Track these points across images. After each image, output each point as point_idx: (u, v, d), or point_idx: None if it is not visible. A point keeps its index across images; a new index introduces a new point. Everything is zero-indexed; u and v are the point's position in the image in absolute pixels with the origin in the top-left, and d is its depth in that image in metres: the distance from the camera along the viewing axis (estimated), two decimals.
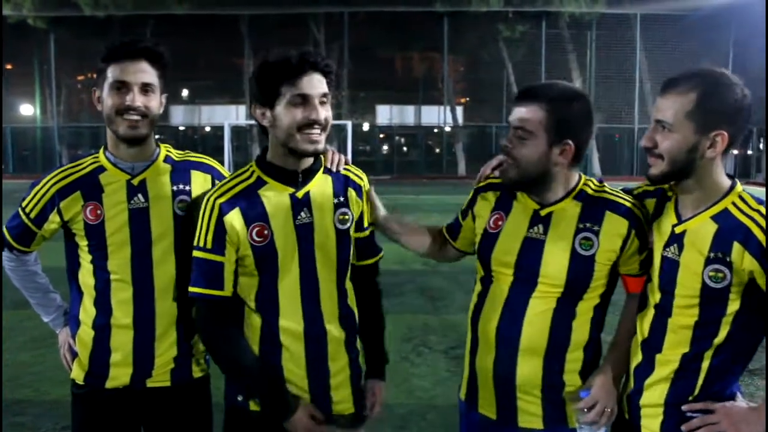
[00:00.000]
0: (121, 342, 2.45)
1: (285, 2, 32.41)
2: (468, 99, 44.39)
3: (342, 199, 2.37)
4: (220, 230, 2.24)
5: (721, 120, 2.01)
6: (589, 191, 2.29)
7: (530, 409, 2.29)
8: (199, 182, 2.52)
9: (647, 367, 2.18)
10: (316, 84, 2.21)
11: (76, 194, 2.43)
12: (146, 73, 2.38)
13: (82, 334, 2.50)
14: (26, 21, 33.04)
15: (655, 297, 2.17)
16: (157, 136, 2.55)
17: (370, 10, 33.58)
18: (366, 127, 39.91)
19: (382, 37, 37.14)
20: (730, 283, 2.02)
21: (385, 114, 40.47)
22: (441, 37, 35.12)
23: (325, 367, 2.35)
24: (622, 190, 2.34)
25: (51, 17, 33.47)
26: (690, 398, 2.11)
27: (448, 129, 37.96)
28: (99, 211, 2.42)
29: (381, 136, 40.64)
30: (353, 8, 34.11)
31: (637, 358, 2.22)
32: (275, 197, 2.28)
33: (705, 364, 2.09)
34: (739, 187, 2.10)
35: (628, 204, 2.25)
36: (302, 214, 2.29)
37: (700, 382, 2.10)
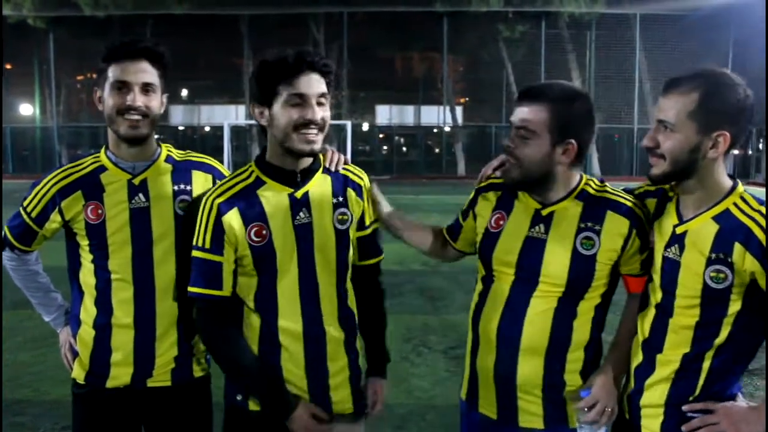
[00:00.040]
0: (122, 341, 2.45)
1: (284, 2, 32.41)
2: (467, 99, 44.39)
3: (341, 199, 2.37)
4: (219, 230, 2.25)
5: (724, 120, 2.01)
6: (591, 191, 2.30)
7: (531, 409, 2.29)
8: (200, 182, 2.52)
9: (648, 367, 2.18)
10: (313, 84, 2.21)
11: (77, 194, 2.43)
12: (147, 73, 2.39)
13: (83, 334, 2.50)
14: (26, 21, 33.03)
15: (656, 297, 2.16)
16: (156, 136, 2.56)
17: (370, 10, 33.58)
18: (365, 127, 39.91)
19: (382, 37, 37.16)
20: (732, 284, 2.02)
21: (385, 114, 40.45)
22: (441, 37, 35.12)
23: (324, 368, 2.35)
24: (623, 190, 2.34)
25: (51, 17, 33.47)
26: (690, 398, 2.11)
27: (447, 129, 37.96)
28: (100, 211, 2.42)
29: (380, 136, 40.62)
30: (353, 8, 34.12)
31: (637, 358, 2.22)
32: (274, 197, 2.28)
33: (706, 365, 2.09)
34: (741, 187, 2.09)
35: (629, 204, 2.26)
36: (301, 214, 2.29)
37: (700, 382, 2.10)
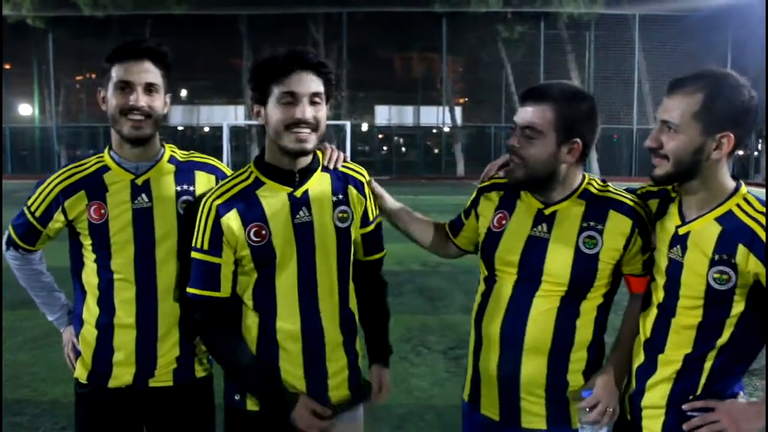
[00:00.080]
0: (124, 341, 2.45)
1: (284, 2, 32.40)
2: (467, 99, 44.39)
3: (341, 196, 2.37)
4: (217, 232, 2.25)
5: (728, 121, 2.00)
6: (593, 190, 2.30)
7: (533, 410, 2.29)
8: (203, 182, 2.52)
9: (649, 367, 2.18)
10: (305, 82, 2.21)
11: (81, 193, 2.43)
12: (150, 73, 2.39)
13: (86, 333, 2.51)
14: (25, 21, 33.01)
15: (659, 297, 2.16)
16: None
17: (369, 11, 33.57)
18: (365, 127, 39.89)
19: (381, 38, 37.13)
20: (735, 285, 2.02)
21: (384, 114, 40.44)
22: (440, 37, 35.14)
23: (323, 368, 2.35)
24: (625, 189, 2.34)
25: (50, 17, 33.46)
26: (691, 398, 2.11)
27: (446, 129, 37.97)
28: (103, 211, 2.42)
29: (380, 136, 40.63)
30: (352, 8, 34.11)
31: (639, 359, 2.22)
32: (273, 197, 2.28)
33: (708, 365, 2.09)
34: (744, 188, 2.09)
35: (631, 203, 2.26)
36: (301, 212, 2.29)
37: (702, 382, 2.10)
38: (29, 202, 2.49)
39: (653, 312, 2.18)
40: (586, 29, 34.92)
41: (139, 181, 2.45)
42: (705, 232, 2.06)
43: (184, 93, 39.53)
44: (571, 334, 2.25)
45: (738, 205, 2.05)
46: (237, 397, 2.35)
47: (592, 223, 2.24)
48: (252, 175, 2.33)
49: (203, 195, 2.36)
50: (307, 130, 2.21)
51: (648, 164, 2.15)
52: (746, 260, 1.99)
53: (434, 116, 38.25)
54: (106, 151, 2.51)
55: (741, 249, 2.00)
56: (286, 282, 2.29)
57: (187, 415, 2.56)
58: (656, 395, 2.16)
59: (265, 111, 2.25)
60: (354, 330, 2.44)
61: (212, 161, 2.63)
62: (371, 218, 2.48)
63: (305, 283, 2.30)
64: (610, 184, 2.35)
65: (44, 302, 2.68)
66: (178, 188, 2.48)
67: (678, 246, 2.11)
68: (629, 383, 2.27)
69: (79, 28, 33.01)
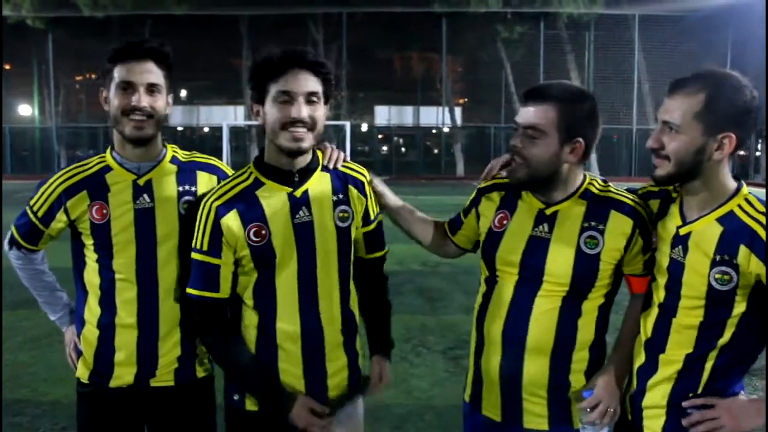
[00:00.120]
0: (125, 341, 2.46)
1: (283, 3, 32.39)
2: (466, 100, 44.40)
3: (341, 196, 2.37)
4: (216, 233, 2.25)
5: (730, 122, 2.00)
6: (594, 190, 2.30)
7: (536, 410, 2.29)
8: (205, 183, 2.52)
9: (650, 367, 2.18)
10: (301, 81, 2.21)
11: (83, 193, 2.43)
12: (152, 73, 2.39)
13: (87, 333, 2.51)
14: (25, 21, 32.99)
15: (660, 296, 2.16)
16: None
17: (369, 11, 33.56)
18: (364, 127, 39.87)
19: (381, 38, 37.12)
20: (737, 286, 2.02)
21: (384, 114, 40.42)
22: (439, 37, 35.12)
23: (323, 368, 2.36)
24: (626, 190, 2.34)
25: (50, 17, 33.43)
26: (691, 396, 2.11)
27: (446, 130, 37.96)
28: (105, 211, 2.42)
29: (379, 136, 40.62)
30: (352, 9, 34.10)
31: (640, 359, 2.22)
32: (273, 197, 2.29)
33: (709, 365, 2.09)
34: (745, 189, 2.09)
35: (632, 203, 2.26)
36: (301, 212, 2.30)
37: (703, 382, 2.10)
38: (31, 202, 2.49)
39: (654, 312, 2.18)
40: (585, 29, 34.91)
41: (141, 182, 2.45)
42: (706, 232, 2.06)
43: (183, 93, 39.55)
44: (573, 334, 2.25)
45: (739, 206, 2.05)
46: (236, 397, 2.36)
47: (593, 223, 2.24)
48: (252, 175, 2.33)
49: (204, 195, 2.36)
50: (303, 129, 2.21)
51: (648, 164, 2.15)
52: (748, 261, 1.99)
53: (434, 116, 38.23)
54: (108, 151, 2.51)
55: (742, 249, 2.00)
56: (286, 282, 2.29)
57: (189, 415, 2.56)
58: (657, 395, 2.16)
59: (263, 110, 2.25)
60: (354, 330, 2.44)
61: (214, 161, 2.63)
62: (372, 217, 2.48)
63: (305, 283, 2.30)
64: (611, 184, 2.35)
65: (46, 302, 2.69)
66: (180, 188, 2.49)
67: (679, 246, 2.11)
68: (630, 383, 2.27)
69: (79, 28, 32.99)
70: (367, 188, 2.46)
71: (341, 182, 2.39)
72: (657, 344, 2.16)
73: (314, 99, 2.23)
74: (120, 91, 2.37)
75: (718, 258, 2.03)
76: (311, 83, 2.22)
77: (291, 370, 2.32)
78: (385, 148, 41.27)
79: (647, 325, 2.20)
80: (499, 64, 36.36)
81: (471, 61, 40.79)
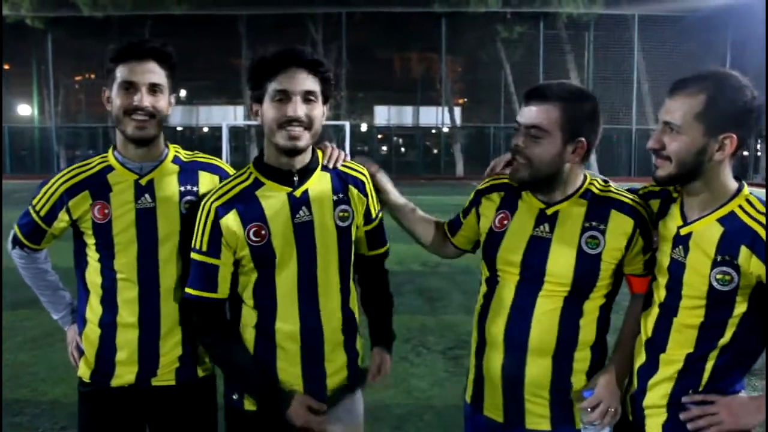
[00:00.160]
0: (127, 341, 2.46)
1: (283, 2, 32.36)
2: (466, 100, 44.39)
3: (341, 196, 2.37)
4: (216, 234, 2.26)
5: (731, 122, 2.00)
6: (595, 190, 2.30)
7: (538, 411, 2.29)
8: (207, 183, 2.52)
9: (651, 367, 2.18)
10: (297, 80, 2.21)
11: (85, 193, 2.44)
12: (154, 73, 2.39)
13: (89, 332, 2.51)
14: (24, 21, 32.96)
15: (660, 296, 2.16)
16: None
17: (368, 11, 33.55)
18: (364, 127, 39.83)
19: (380, 38, 37.12)
20: (738, 286, 2.02)
21: (383, 114, 40.40)
22: (439, 37, 35.09)
23: (321, 368, 2.36)
24: (627, 190, 2.34)
25: (49, 17, 33.39)
26: (690, 392, 2.12)
27: (446, 130, 37.93)
28: (106, 210, 2.43)
29: (379, 136, 40.59)
30: (351, 9, 34.07)
31: (640, 358, 2.22)
32: (273, 197, 2.29)
33: (709, 364, 2.10)
34: (746, 189, 2.09)
35: (633, 203, 2.26)
36: (301, 212, 2.30)
37: (704, 381, 2.11)
38: (34, 202, 2.50)
39: (655, 311, 2.18)
40: (585, 29, 34.88)
41: (143, 182, 2.46)
42: (707, 233, 2.06)
43: (183, 93, 39.53)
44: (575, 334, 2.25)
45: (740, 206, 2.05)
46: (235, 397, 2.37)
47: (594, 223, 2.24)
48: (251, 175, 2.33)
49: (204, 195, 2.36)
50: (300, 128, 2.21)
51: (647, 164, 2.15)
52: (749, 261, 1.99)
53: (433, 116, 38.20)
54: (110, 151, 2.52)
55: (743, 250, 2.00)
56: (286, 281, 2.29)
57: (190, 414, 2.56)
58: (658, 395, 2.16)
59: (261, 110, 2.26)
60: (354, 329, 2.45)
61: (216, 161, 2.63)
62: (374, 215, 2.49)
63: (305, 282, 2.31)
64: (611, 184, 2.35)
65: (49, 301, 2.69)
66: (182, 188, 2.49)
67: (680, 246, 2.11)
68: (630, 383, 2.27)
69: (79, 28, 32.96)
70: (368, 187, 2.46)
71: (341, 182, 2.39)
72: (657, 344, 2.16)
73: (311, 98, 2.23)
74: (122, 91, 2.38)
75: (719, 258, 2.03)
76: (308, 82, 2.22)
77: (290, 370, 2.32)
78: (384, 148, 41.23)
79: (648, 324, 2.20)
80: (499, 64, 36.34)
81: (470, 61, 40.78)
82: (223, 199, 2.28)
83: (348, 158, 2.48)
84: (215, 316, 2.33)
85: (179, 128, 39.40)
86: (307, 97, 2.22)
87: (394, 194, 2.59)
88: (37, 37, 34.65)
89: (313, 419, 2.29)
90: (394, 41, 38.39)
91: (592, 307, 2.27)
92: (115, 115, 2.41)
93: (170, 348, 2.48)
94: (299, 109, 2.20)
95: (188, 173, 2.53)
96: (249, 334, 2.33)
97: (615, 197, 2.28)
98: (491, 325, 2.32)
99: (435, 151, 41.95)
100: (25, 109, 40.04)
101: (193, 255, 2.30)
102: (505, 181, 2.42)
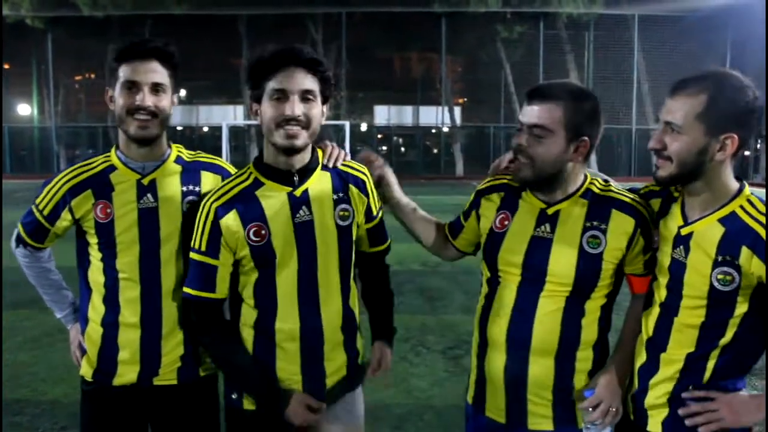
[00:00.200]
0: (129, 340, 2.46)
1: (283, 2, 32.37)
2: (466, 99, 44.39)
3: (342, 195, 2.37)
4: (215, 234, 2.26)
5: (732, 122, 2.00)
6: (596, 190, 2.30)
7: (540, 411, 2.29)
8: (209, 183, 2.52)
9: (652, 366, 2.18)
10: (295, 79, 2.21)
11: (87, 192, 2.44)
12: (157, 73, 2.40)
13: (91, 332, 2.52)
14: (24, 21, 32.97)
15: (661, 295, 2.16)
16: None
17: (368, 11, 33.55)
18: (364, 127, 39.81)
19: (380, 38, 37.12)
20: (739, 286, 2.02)
21: (383, 114, 40.39)
22: (439, 37, 35.10)
23: (321, 368, 2.36)
24: (628, 189, 2.34)
25: (49, 17, 33.40)
26: (691, 387, 2.12)
27: (446, 129, 37.94)
28: (109, 210, 2.43)
29: (379, 136, 40.55)
30: (351, 8, 34.08)
31: (641, 358, 2.22)
32: (273, 197, 2.29)
33: (710, 364, 2.10)
34: (747, 190, 2.08)
35: (634, 203, 2.26)
36: (301, 212, 2.30)
37: (705, 381, 2.10)
38: (37, 201, 2.51)
39: (656, 311, 2.18)
40: (585, 29, 34.88)
41: (145, 181, 2.46)
42: (708, 233, 2.06)
43: (183, 93, 39.53)
44: (577, 334, 2.25)
45: (741, 207, 2.04)
46: (234, 396, 2.37)
47: (595, 223, 2.24)
48: (251, 175, 2.33)
49: (203, 195, 2.36)
50: (297, 127, 2.21)
51: (647, 164, 2.15)
52: (750, 262, 1.99)
53: (433, 116, 38.21)
54: (113, 150, 2.52)
55: (745, 251, 2.00)
56: (287, 281, 2.29)
57: (192, 413, 2.57)
58: (659, 394, 2.16)
59: (260, 109, 2.26)
60: (354, 328, 2.45)
61: (219, 161, 2.63)
62: (375, 213, 2.49)
63: (305, 281, 2.31)
64: (612, 183, 2.35)
65: (52, 300, 2.70)
66: (184, 188, 2.49)
67: (681, 246, 2.11)
68: (631, 383, 2.26)
69: (79, 28, 32.98)
70: (369, 186, 2.46)
71: (342, 181, 2.39)
72: (658, 343, 2.16)
73: (309, 97, 2.23)
74: (125, 91, 2.38)
75: (719, 259, 2.03)
76: (306, 81, 2.22)
77: (289, 369, 2.33)
78: (384, 147, 41.18)
79: (648, 324, 2.20)
80: (499, 64, 36.35)
81: (470, 61, 40.80)
82: (223, 199, 2.28)
83: (348, 157, 2.48)
84: (214, 315, 2.33)
85: (179, 128, 39.40)
86: (305, 96, 2.22)
87: (398, 190, 2.59)
88: (37, 37, 34.66)
89: (311, 418, 2.30)
90: (394, 41, 38.39)
91: (593, 306, 2.27)
92: (117, 114, 2.42)
93: (172, 347, 2.49)
94: (297, 108, 2.20)
95: (191, 173, 2.53)
96: (248, 334, 2.33)
97: (616, 197, 2.28)
98: (493, 326, 2.32)
99: (435, 150, 41.95)
100: (25, 109, 40.05)
101: (192, 255, 2.30)
102: (505, 181, 2.42)
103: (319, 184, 2.35)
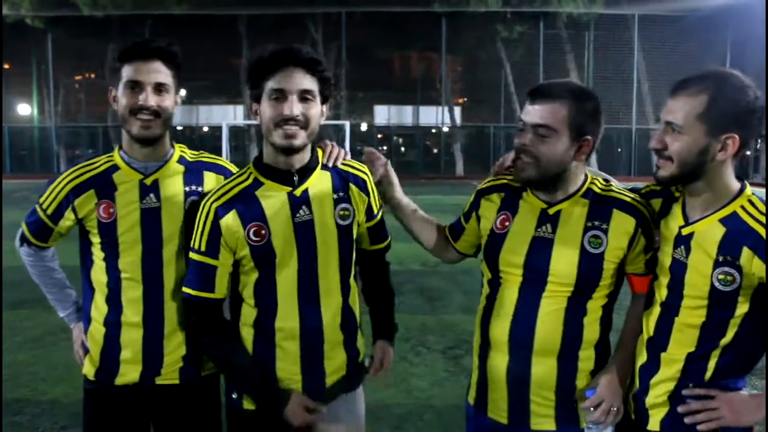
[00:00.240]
0: (131, 339, 2.47)
1: (283, 2, 32.38)
2: (466, 99, 44.41)
3: (342, 194, 2.38)
4: (215, 234, 2.26)
5: (733, 122, 1.99)
6: (596, 189, 2.30)
7: (543, 411, 2.28)
8: (212, 183, 2.53)
9: (653, 366, 2.18)
10: (294, 79, 2.21)
11: (90, 192, 2.45)
12: (160, 72, 2.40)
13: (93, 331, 2.53)
14: (24, 20, 32.98)
15: (662, 295, 2.16)
16: None
17: (368, 11, 33.56)
18: (364, 127, 39.82)
19: (380, 38, 37.12)
20: (740, 286, 2.02)
21: (383, 114, 40.41)
22: (439, 37, 35.12)
23: (321, 367, 2.36)
24: (629, 189, 2.34)
25: (49, 17, 33.41)
26: (691, 385, 2.12)
27: (446, 129, 37.95)
28: (112, 210, 2.44)
29: (379, 136, 40.54)
30: (351, 8, 34.08)
31: (642, 357, 2.22)
32: (272, 197, 2.29)
33: (711, 364, 2.10)
34: (749, 190, 2.08)
35: (635, 202, 2.26)
36: (301, 211, 2.30)
37: (705, 381, 2.10)
38: (41, 200, 2.52)
39: (656, 310, 2.18)
40: (585, 29, 34.89)
41: (148, 181, 2.47)
42: (709, 233, 2.06)
43: (183, 93, 39.48)
44: (579, 333, 2.25)
45: (743, 207, 2.04)
46: (234, 396, 2.38)
47: (596, 223, 2.24)
48: (251, 175, 2.33)
49: (203, 195, 2.37)
50: (295, 127, 2.22)
51: (647, 164, 2.15)
52: (751, 262, 1.99)
53: (433, 116, 38.23)
54: (116, 150, 2.53)
55: (746, 251, 2.00)
56: (287, 281, 2.29)
57: (194, 413, 2.57)
58: (659, 393, 2.16)
59: (260, 109, 2.26)
60: (355, 327, 2.45)
61: (221, 162, 2.64)
62: (375, 211, 2.49)
63: (306, 281, 2.31)
64: (613, 182, 2.35)
65: (55, 298, 2.70)
66: (187, 188, 2.50)
67: (682, 246, 2.11)
68: (632, 382, 2.27)
69: (79, 28, 32.99)
70: (369, 185, 2.46)
71: (342, 180, 2.39)
72: (659, 343, 2.16)
73: (308, 97, 2.23)
74: (128, 91, 2.39)
75: (720, 259, 2.03)
76: (305, 81, 2.22)
77: (289, 369, 2.33)
78: (384, 147, 41.14)
79: (649, 323, 2.20)
80: (499, 63, 36.37)
81: (470, 60, 40.81)
82: (223, 199, 2.28)
83: (348, 156, 2.48)
84: (213, 315, 2.34)
85: (179, 128, 39.39)
86: (304, 95, 2.22)
87: (399, 191, 2.59)
88: (37, 37, 34.67)
89: (309, 419, 2.30)
90: (394, 41, 38.38)
91: (595, 306, 2.27)
92: (121, 114, 2.42)
93: (174, 347, 2.49)
94: (295, 107, 2.20)
95: (193, 173, 2.53)
96: (248, 333, 2.34)
97: (617, 196, 2.28)
98: (495, 326, 2.32)
99: (435, 150, 41.96)
100: (24, 109, 40.06)
101: (192, 255, 2.31)
102: (506, 181, 2.42)
103: (319, 183, 2.35)
